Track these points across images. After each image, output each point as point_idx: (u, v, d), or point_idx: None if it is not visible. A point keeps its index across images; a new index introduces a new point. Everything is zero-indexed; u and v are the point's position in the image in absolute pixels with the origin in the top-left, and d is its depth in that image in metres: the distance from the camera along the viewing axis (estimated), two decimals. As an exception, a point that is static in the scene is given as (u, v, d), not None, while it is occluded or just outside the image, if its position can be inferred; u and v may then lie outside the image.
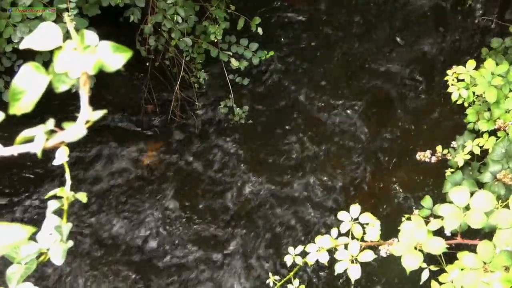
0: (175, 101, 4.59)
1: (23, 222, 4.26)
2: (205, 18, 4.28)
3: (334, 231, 2.03)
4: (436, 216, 1.99)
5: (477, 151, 2.82)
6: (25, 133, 0.72)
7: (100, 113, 0.70)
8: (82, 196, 1.08)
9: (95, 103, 0.68)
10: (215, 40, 4.20)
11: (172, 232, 4.40)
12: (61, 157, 0.91)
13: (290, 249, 2.29)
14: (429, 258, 1.85)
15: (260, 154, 4.66)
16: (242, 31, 4.41)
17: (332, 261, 2.00)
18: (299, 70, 4.91)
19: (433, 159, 2.80)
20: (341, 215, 2.04)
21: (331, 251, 2.04)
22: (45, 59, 3.42)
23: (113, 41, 0.66)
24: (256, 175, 4.58)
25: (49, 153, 0.81)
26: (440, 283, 1.79)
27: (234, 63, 4.39)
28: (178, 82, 4.47)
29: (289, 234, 4.37)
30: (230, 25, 4.31)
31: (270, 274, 2.54)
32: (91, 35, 0.66)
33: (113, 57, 0.65)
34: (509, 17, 4.72)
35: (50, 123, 0.72)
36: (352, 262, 1.92)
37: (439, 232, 1.74)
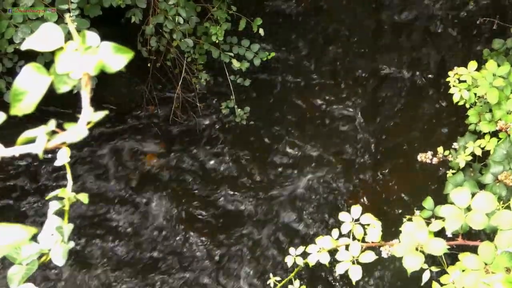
0: (176, 102, 4.59)
1: (24, 223, 4.27)
2: (206, 19, 4.29)
3: (335, 232, 2.03)
4: (438, 217, 1.99)
5: (478, 152, 2.82)
6: (27, 134, 0.72)
7: (101, 114, 0.70)
8: (84, 197, 1.08)
9: (96, 104, 0.69)
10: (217, 41, 4.20)
11: (171, 233, 4.40)
12: (63, 158, 0.91)
13: (291, 249, 2.29)
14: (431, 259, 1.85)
15: (262, 155, 4.66)
16: (244, 32, 4.41)
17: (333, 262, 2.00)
18: (301, 71, 4.91)
19: (434, 160, 2.80)
20: (342, 216, 2.04)
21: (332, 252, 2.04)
22: (47, 60, 3.42)
23: (115, 42, 0.66)
24: (257, 176, 4.58)
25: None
26: (442, 284, 1.79)
27: (236, 64, 4.39)
28: (180, 83, 4.47)
29: (289, 235, 4.37)
30: (231, 26, 4.31)
31: (271, 274, 2.54)
32: (92, 36, 0.66)
33: (115, 58, 0.65)
34: (511, 18, 4.72)
35: (52, 123, 0.73)
36: (353, 263, 1.92)
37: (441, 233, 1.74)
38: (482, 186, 2.68)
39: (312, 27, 5.05)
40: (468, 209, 1.66)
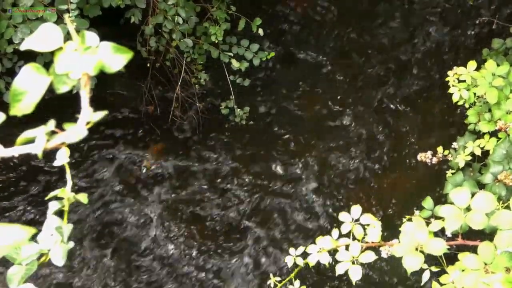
0: (175, 102, 4.59)
1: (24, 223, 4.27)
2: (205, 19, 4.28)
3: (335, 232, 2.03)
4: (437, 217, 1.99)
5: (478, 152, 2.81)
6: (26, 134, 0.72)
7: (101, 114, 0.70)
8: (83, 197, 1.08)
9: (95, 104, 0.68)
10: (216, 41, 4.20)
11: (170, 235, 4.40)
12: (62, 158, 0.91)
13: (291, 250, 2.29)
14: (430, 259, 1.85)
15: (261, 155, 4.66)
16: (243, 32, 4.41)
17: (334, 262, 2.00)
18: (300, 71, 4.91)
19: (434, 160, 2.80)
20: (342, 216, 2.04)
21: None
22: (46, 60, 3.42)
23: (114, 42, 0.66)
24: (257, 177, 4.58)
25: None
26: (441, 284, 1.79)
27: (235, 64, 4.38)
28: (179, 83, 4.47)
29: (288, 236, 4.37)
30: (230, 26, 4.30)
31: (271, 275, 2.54)
32: (92, 36, 0.66)
33: (114, 58, 0.65)
34: (510, 18, 4.72)
35: (51, 124, 0.72)
36: (353, 263, 1.92)
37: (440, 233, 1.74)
38: (481, 186, 2.68)
39: (313, 27, 5.05)
40: (468, 209, 1.66)
